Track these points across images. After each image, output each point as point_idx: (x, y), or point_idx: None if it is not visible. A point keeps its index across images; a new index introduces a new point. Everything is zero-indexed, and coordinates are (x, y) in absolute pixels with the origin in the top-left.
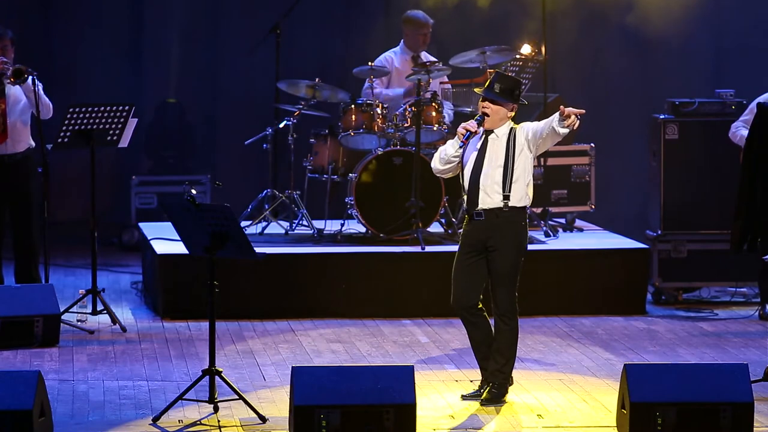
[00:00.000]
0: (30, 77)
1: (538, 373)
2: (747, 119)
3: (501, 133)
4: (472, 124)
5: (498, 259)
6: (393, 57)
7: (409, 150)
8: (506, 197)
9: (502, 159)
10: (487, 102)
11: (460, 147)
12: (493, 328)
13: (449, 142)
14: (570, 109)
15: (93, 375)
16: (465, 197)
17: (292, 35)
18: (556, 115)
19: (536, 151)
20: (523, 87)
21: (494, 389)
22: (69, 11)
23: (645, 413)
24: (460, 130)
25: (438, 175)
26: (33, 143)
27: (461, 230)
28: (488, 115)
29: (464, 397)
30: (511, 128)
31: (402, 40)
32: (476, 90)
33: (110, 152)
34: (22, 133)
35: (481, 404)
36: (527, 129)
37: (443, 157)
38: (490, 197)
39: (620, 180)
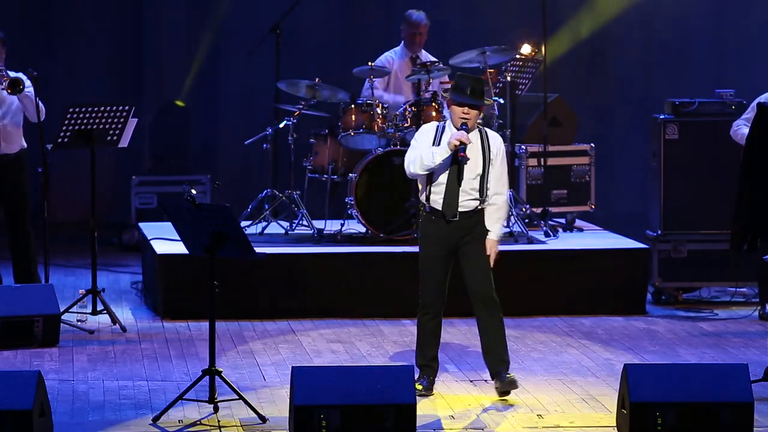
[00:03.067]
0: (24, 73)
1: (538, 373)
2: (749, 117)
3: (474, 138)
4: (464, 136)
5: (474, 250)
6: (393, 57)
7: None
8: (482, 201)
9: (480, 167)
10: (466, 108)
11: (463, 161)
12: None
13: (427, 149)
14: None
15: (93, 375)
16: (433, 199)
17: (292, 35)
18: (490, 234)
19: None
20: (523, 87)
21: (507, 377)
22: (69, 11)
23: (645, 413)
24: (454, 141)
25: (409, 176)
26: (25, 144)
27: (419, 225)
28: (468, 123)
29: (419, 393)
30: (479, 131)
31: (402, 41)
32: (444, 93)
33: (110, 152)
34: (15, 134)
35: (501, 396)
36: (499, 161)
37: (427, 165)
38: (467, 202)
39: (620, 180)
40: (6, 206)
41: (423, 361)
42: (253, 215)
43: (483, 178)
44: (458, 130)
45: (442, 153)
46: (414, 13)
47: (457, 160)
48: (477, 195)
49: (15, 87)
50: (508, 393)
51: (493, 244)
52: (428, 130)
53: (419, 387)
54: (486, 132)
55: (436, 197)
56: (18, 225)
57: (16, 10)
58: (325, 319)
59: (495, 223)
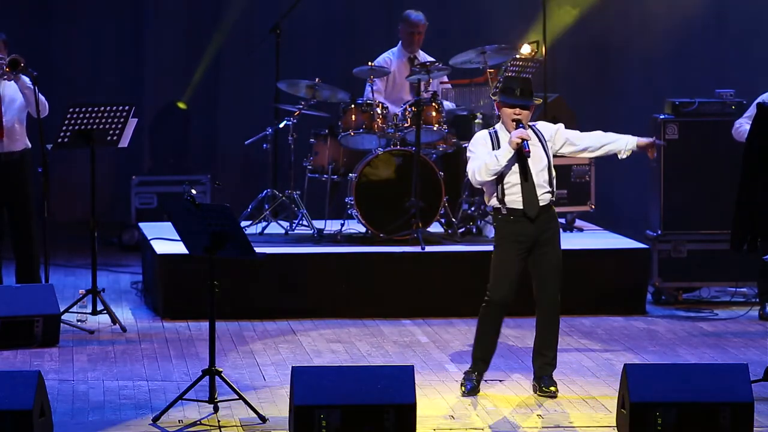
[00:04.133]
0: (24, 73)
1: None
2: (750, 115)
3: (530, 134)
4: (523, 132)
5: (552, 252)
6: (391, 58)
7: (409, 150)
8: (553, 193)
9: (545, 158)
10: (518, 108)
11: (528, 156)
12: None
13: (489, 154)
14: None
15: (93, 375)
16: (509, 199)
17: (292, 35)
18: (630, 140)
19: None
20: None
21: (549, 390)
22: (69, 10)
23: (645, 413)
24: (515, 139)
25: (477, 186)
26: (29, 143)
27: (496, 228)
28: (521, 121)
29: (465, 394)
30: (529, 126)
31: (400, 41)
32: (493, 96)
33: (110, 152)
34: (19, 132)
35: (553, 395)
36: (560, 129)
37: (494, 169)
38: (543, 195)
39: (620, 180)
40: (9, 207)
41: (481, 355)
42: (253, 215)
43: (549, 167)
44: (515, 129)
45: (506, 154)
46: (412, 13)
47: (522, 157)
48: (549, 187)
49: (15, 66)
50: (549, 397)
51: (645, 141)
52: (482, 138)
53: (462, 388)
54: (534, 125)
55: (513, 197)
56: (21, 224)
57: (15, 10)
58: (325, 319)
59: (617, 137)
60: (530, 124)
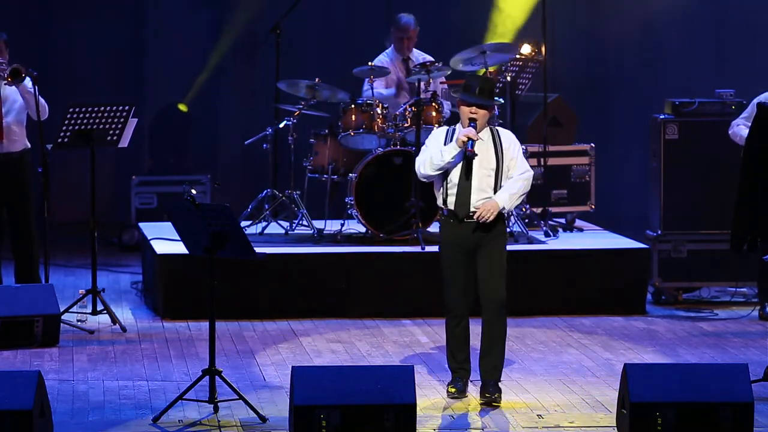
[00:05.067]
0: (27, 77)
1: (538, 373)
2: (747, 116)
3: (485, 137)
4: (471, 131)
5: (493, 252)
6: (385, 59)
7: (409, 150)
8: None
9: (493, 163)
10: (474, 107)
11: (471, 156)
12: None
13: (437, 149)
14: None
15: (93, 375)
16: (449, 200)
17: (292, 35)
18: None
19: None
20: (523, 87)
21: (494, 398)
22: (69, 10)
23: (645, 413)
24: (462, 137)
25: (422, 180)
26: (29, 144)
27: (439, 228)
28: (476, 120)
29: (452, 395)
30: (490, 129)
31: (392, 44)
32: (454, 94)
33: (110, 152)
34: (18, 133)
35: (493, 405)
36: (514, 152)
37: (437, 164)
38: (479, 201)
39: (620, 180)
40: (9, 208)
41: (455, 365)
42: (253, 215)
43: (497, 174)
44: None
45: (451, 150)
46: (403, 17)
47: (466, 157)
48: (492, 193)
49: (16, 75)
50: (488, 405)
51: (491, 204)
52: (439, 133)
53: (452, 389)
54: (498, 131)
55: (452, 198)
56: (20, 224)
57: (16, 11)
58: (325, 319)
59: (504, 191)
60: (496, 128)
